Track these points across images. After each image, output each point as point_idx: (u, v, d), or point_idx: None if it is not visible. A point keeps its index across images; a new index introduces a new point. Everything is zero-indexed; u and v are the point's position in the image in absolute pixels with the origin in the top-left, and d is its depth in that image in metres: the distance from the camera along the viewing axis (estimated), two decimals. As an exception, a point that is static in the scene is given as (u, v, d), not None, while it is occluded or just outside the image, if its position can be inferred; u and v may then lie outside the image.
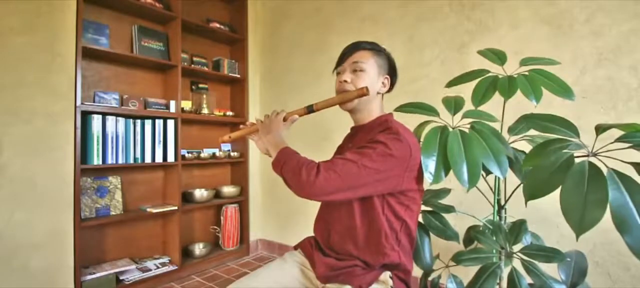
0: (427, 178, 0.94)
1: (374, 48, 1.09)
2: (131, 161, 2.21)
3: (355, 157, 0.90)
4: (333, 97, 1.05)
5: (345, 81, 1.04)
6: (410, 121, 1.15)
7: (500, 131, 1.14)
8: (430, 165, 0.93)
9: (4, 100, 1.72)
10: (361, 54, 1.06)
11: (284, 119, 1.06)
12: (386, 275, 1.01)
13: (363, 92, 1.00)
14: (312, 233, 1.20)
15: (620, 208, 0.60)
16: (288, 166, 0.92)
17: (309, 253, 1.12)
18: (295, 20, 2.83)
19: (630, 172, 0.67)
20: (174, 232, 2.41)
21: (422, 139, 1.01)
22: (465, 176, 0.86)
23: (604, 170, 0.66)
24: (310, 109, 1.07)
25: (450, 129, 0.98)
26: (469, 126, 1.02)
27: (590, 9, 1.57)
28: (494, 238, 1.05)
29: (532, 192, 0.70)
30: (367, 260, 0.99)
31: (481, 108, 1.09)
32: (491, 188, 1.19)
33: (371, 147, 0.91)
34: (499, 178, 1.16)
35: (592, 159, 0.69)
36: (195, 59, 2.65)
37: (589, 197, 0.62)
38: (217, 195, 2.77)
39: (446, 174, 0.92)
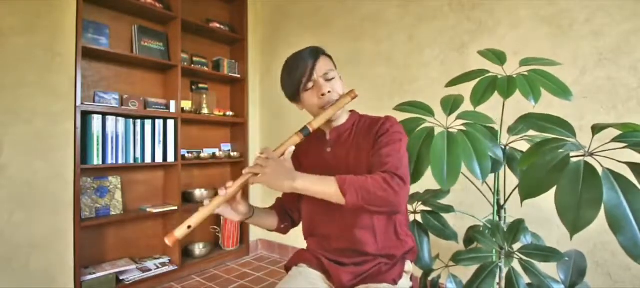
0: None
1: (325, 52, 1.06)
2: (131, 161, 2.21)
3: (400, 156, 0.91)
4: (328, 111, 0.97)
5: (329, 91, 0.98)
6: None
7: (499, 131, 1.14)
8: (411, 168, 0.95)
9: (4, 100, 1.72)
10: (324, 61, 1.01)
11: (280, 155, 0.90)
12: (410, 265, 1.05)
13: (355, 94, 0.99)
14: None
15: (614, 208, 0.60)
16: (370, 191, 0.82)
17: (319, 265, 1.04)
18: (295, 20, 2.84)
19: (626, 171, 0.67)
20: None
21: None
22: (444, 176, 0.87)
23: (599, 169, 0.65)
24: (306, 132, 0.94)
25: (439, 130, 0.99)
26: (462, 127, 1.02)
27: (590, 9, 1.57)
28: (493, 238, 1.05)
29: (528, 192, 0.70)
30: (389, 252, 0.99)
31: (481, 108, 1.09)
32: (491, 189, 1.19)
33: (397, 141, 0.93)
34: (498, 178, 1.16)
35: (588, 159, 0.69)
36: (195, 59, 2.65)
37: (584, 197, 0.62)
38: (218, 195, 2.76)
39: (420, 177, 0.93)
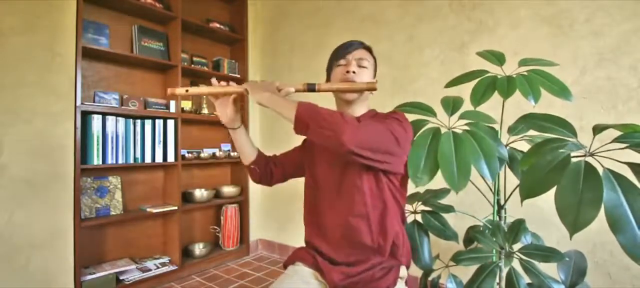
0: (412, 180, 0.94)
1: (372, 50, 1.14)
2: (131, 161, 2.21)
3: (377, 121, 0.90)
4: (340, 83, 1.04)
5: (354, 72, 1.05)
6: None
7: (499, 131, 1.14)
8: (416, 168, 0.93)
9: (4, 100, 1.72)
10: (365, 52, 1.10)
11: (278, 89, 1.00)
12: (404, 271, 1.05)
13: (374, 87, 1.02)
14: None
15: (614, 208, 0.60)
16: (320, 112, 0.87)
17: (313, 264, 1.06)
18: (295, 20, 2.84)
19: (627, 172, 0.67)
20: (174, 232, 2.41)
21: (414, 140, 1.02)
22: (456, 179, 0.86)
23: (600, 170, 0.66)
24: (311, 87, 1.01)
25: (444, 130, 0.98)
26: (465, 127, 1.02)
27: (590, 9, 1.57)
28: (493, 238, 1.05)
29: (528, 192, 0.70)
30: (381, 242, 0.99)
31: (481, 108, 1.09)
32: (491, 189, 1.19)
33: (389, 119, 0.93)
34: (498, 178, 1.16)
35: (589, 159, 0.69)
36: (195, 59, 2.66)
37: (584, 197, 0.62)
38: (217, 195, 2.77)
39: (431, 178, 0.92)
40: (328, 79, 1.14)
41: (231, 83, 1.07)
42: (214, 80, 1.08)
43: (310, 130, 0.87)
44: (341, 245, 1.01)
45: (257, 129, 3.06)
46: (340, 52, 1.09)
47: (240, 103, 1.14)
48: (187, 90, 1.04)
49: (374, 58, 1.14)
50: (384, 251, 1.00)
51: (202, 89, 1.08)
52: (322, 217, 1.07)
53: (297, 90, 1.02)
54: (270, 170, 1.21)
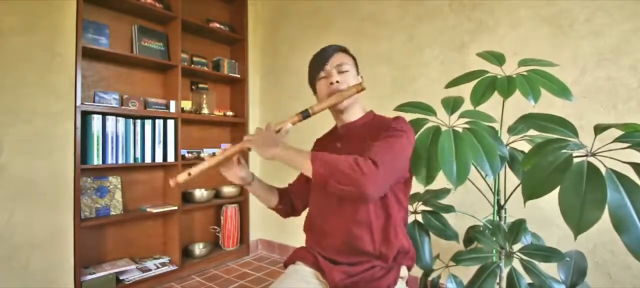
0: (418, 181, 0.94)
1: (347, 50, 1.13)
2: (131, 161, 2.21)
3: (388, 146, 0.90)
4: (330, 98, 1.03)
5: (337, 82, 1.04)
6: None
7: (499, 131, 1.14)
8: (420, 168, 0.94)
9: (4, 100, 1.72)
10: (341, 55, 1.09)
11: (276, 131, 0.98)
12: (405, 271, 1.05)
13: (362, 87, 1.02)
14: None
15: (618, 208, 0.60)
16: (337, 167, 0.85)
17: (314, 263, 1.05)
18: (295, 20, 2.84)
19: (629, 172, 0.67)
20: (174, 232, 2.41)
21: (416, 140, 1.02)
22: (454, 174, 0.86)
23: (603, 170, 0.65)
24: (305, 114, 1.00)
25: (444, 129, 0.98)
26: (466, 126, 1.02)
27: (590, 9, 1.57)
28: (494, 238, 1.05)
29: (531, 192, 0.70)
30: (385, 252, 0.98)
31: (481, 108, 1.09)
32: (491, 189, 1.19)
33: (396, 136, 0.93)
34: (498, 178, 1.16)
35: (591, 159, 0.69)
36: (195, 59, 2.65)
37: (588, 197, 0.62)
38: (217, 195, 2.77)
39: (434, 177, 0.92)
40: (314, 91, 1.13)
41: (227, 144, 1.07)
42: (206, 156, 1.06)
43: (329, 185, 0.86)
44: (342, 250, 1.01)
45: (257, 125, 2.98)
46: (318, 64, 1.08)
47: (244, 157, 1.14)
48: (189, 174, 1.01)
49: (352, 56, 1.13)
50: (387, 259, 0.99)
51: (205, 165, 1.03)
52: (324, 225, 1.06)
53: (293, 123, 1.00)
54: (293, 204, 1.22)
